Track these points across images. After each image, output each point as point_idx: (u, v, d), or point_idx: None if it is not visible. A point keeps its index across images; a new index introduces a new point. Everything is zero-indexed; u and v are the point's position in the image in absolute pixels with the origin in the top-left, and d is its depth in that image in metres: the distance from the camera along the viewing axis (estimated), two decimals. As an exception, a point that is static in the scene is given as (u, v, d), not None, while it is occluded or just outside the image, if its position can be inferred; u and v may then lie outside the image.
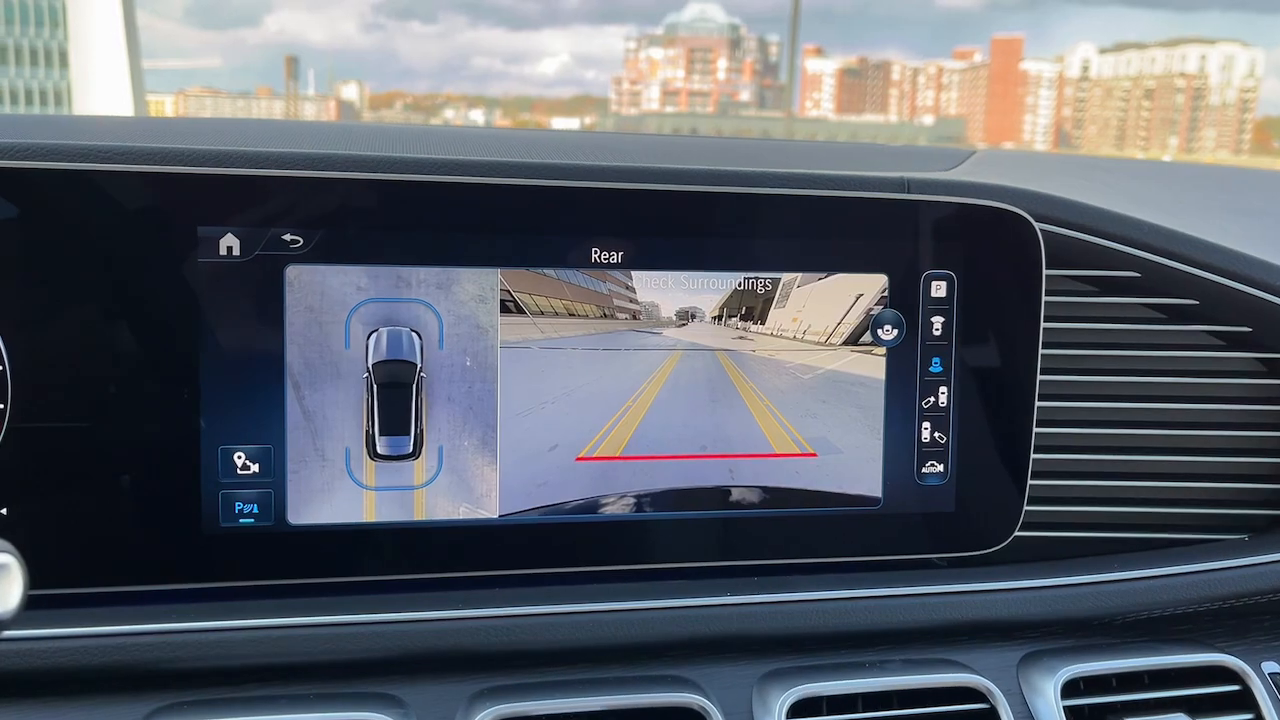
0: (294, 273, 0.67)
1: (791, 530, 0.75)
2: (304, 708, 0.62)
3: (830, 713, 0.67)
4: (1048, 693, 0.70)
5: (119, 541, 0.66)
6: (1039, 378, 0.77)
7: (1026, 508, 0.77)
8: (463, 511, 0.70)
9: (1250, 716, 0.72)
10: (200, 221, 0.66)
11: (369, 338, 0.68)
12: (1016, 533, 0.78)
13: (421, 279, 0.69)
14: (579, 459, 0.72)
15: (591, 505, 0.72)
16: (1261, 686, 0.73)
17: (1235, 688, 0.72)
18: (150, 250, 0.65)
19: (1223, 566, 0.76)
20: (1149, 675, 0.72)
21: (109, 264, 0.65)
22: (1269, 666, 0.75)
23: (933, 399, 0.76)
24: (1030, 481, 0.77)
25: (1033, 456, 0.77)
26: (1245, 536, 0.81)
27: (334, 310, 0.68)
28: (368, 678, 0.65)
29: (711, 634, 0.70)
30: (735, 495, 0.74)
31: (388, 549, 0.69)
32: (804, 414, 0.75)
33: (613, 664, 0.68)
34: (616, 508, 0.73)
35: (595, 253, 0.71)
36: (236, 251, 0.66)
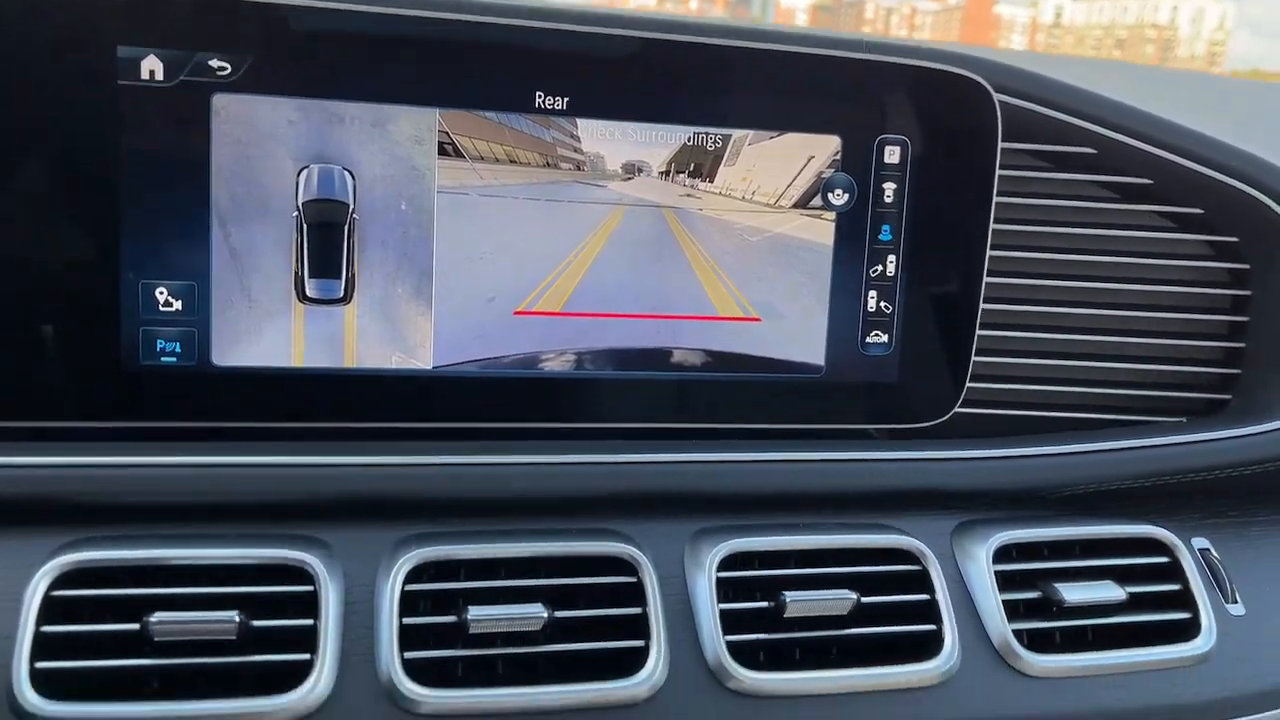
0: (221, 102, 0.64)
1: (732, 395, 0.74)
2: (222, 545, 0.61)
3: (762, 569, 0.67)
4: (980, 558, 0.70)
5: (34, 376, 0.64)
6: (989, 252, 0.75)
7: (969, 384, 0.77)
8: (395, 361, 0.69)
9: (1178, 587, 0.72)
10: (120, 41, 0.62)
11: (299, 175, 0.66)
12: (957, 409, 0.77)
13: (356, 115, 0.66)
14: (517, 312, 0.70)
15: (530, 361, 0.71)
16: (1190, 560, 0.73)
17: (1165, 559, 0.73)
18: (66, 72, 0.62)
19: (1157, 444, 0.76)
20: (1080, 545, 0.73)
21: (21, 86, 0.61)
22: (1198, 542, 0.76)
23: (880, 268, 0.74)
24: (974, 358, 0.76)
25: (978, 332, 0.76)
26: (1184, 420, 0.81)
27: (263, 144, 0.65)
28: (290, 520, 0.63)
29: (646, 490, 0.69)
30: (677, 357, 0.73)
31: (315, 395, 0.67)
32: (750, 277, 0.73)
33: (544, 516, 0.67)
34: (556, 365, 0.71)
35: (539, 97, 0.68)
36: (160, 76, 0.63)
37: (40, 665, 0.56)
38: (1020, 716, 0.66)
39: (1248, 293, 0.81)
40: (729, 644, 0.64)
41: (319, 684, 0.58)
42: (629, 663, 0.63)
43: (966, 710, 0.66)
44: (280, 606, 0.60)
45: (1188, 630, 0.71)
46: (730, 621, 0.65)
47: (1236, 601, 0.74)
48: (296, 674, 0.58)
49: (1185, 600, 0.72)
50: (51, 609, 0.57)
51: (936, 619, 0.67)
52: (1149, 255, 0.81)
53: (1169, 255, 0.81)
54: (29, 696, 0.55)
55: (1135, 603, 0.70)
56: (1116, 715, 0.68)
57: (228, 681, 0.58)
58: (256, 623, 0.59)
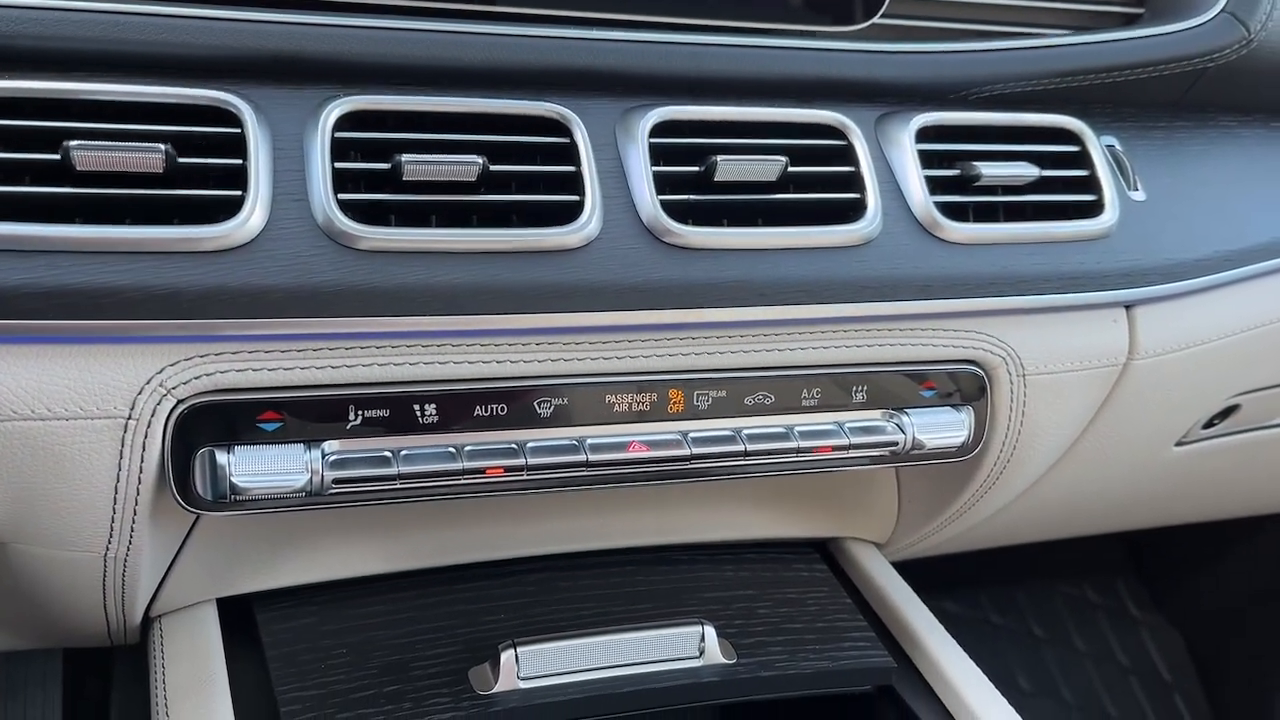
0: None
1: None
2: (144, 83, 0.58)
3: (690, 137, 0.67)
4: (903, 139, 0.71)
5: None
6: None
7: (894, -4, 0.77)
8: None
9: (1085, 173, 0.75)
10: None
11: None
12: (879, 19, 0.77)
13: None
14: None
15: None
16: (1098, 149, 0.76)
17: (1075, 148, 0.76)
18: None
19: (1073, 43, 0.78)
20: (997, 131, 0.75)
21: None
22: (1106, 139, 0.79)
23: None
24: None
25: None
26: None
27: None
28: (215, 78, 0.61)
29: (581, 65, 0.68)
30: None
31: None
32: None
33: (476, 88, 0.66)
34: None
35: None
36: None
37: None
38: (936, 277, 0.69)
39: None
40: (663, 203, 0.65)
41: (252, 217, 0.57)
42: (564, 218, 0.63)
43: (886, 269, 0.68)
44: (208, 147, 0.59)
45: (1092, 210, 0.75)
46: (663, 183, 0.65)
47: (1138, 189, 0.77)
48: (228, 208, 0.57)
49: (1091, 184, 0.75)
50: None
51: (860, 188, 0.69)
52: None
53: None
54: None
55: (1046, 184, 0.73)
56: (1026, 279, 0.71)
57: (158, 216, 0.57)
58: (184, 160, 0.58)
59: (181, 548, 0.69)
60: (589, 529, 0.81)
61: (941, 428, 0.72)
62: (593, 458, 0.65)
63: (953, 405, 0.73)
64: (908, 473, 0.84)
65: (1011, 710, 0.73)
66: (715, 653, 0.72)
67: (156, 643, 0.72)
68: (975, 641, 0.83)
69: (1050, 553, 1.67)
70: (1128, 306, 0.77)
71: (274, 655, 0.71)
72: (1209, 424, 0.91)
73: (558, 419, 0.65)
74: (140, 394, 0.57)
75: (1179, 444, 0.91)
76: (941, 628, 0.81)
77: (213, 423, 0.59)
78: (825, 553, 0.90)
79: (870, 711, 0.78)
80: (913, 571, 0.88)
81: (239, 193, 0.58)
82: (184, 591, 0.73)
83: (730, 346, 0.67)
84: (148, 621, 0.74)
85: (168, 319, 0.56)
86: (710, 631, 0.72)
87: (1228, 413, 0.91)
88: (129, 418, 0.57)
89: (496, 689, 0.68)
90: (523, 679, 0.69)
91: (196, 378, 0.58)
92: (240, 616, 0.74)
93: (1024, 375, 0.74)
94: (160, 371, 0.57)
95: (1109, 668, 1.62)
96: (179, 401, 0.58)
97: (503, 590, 0.78)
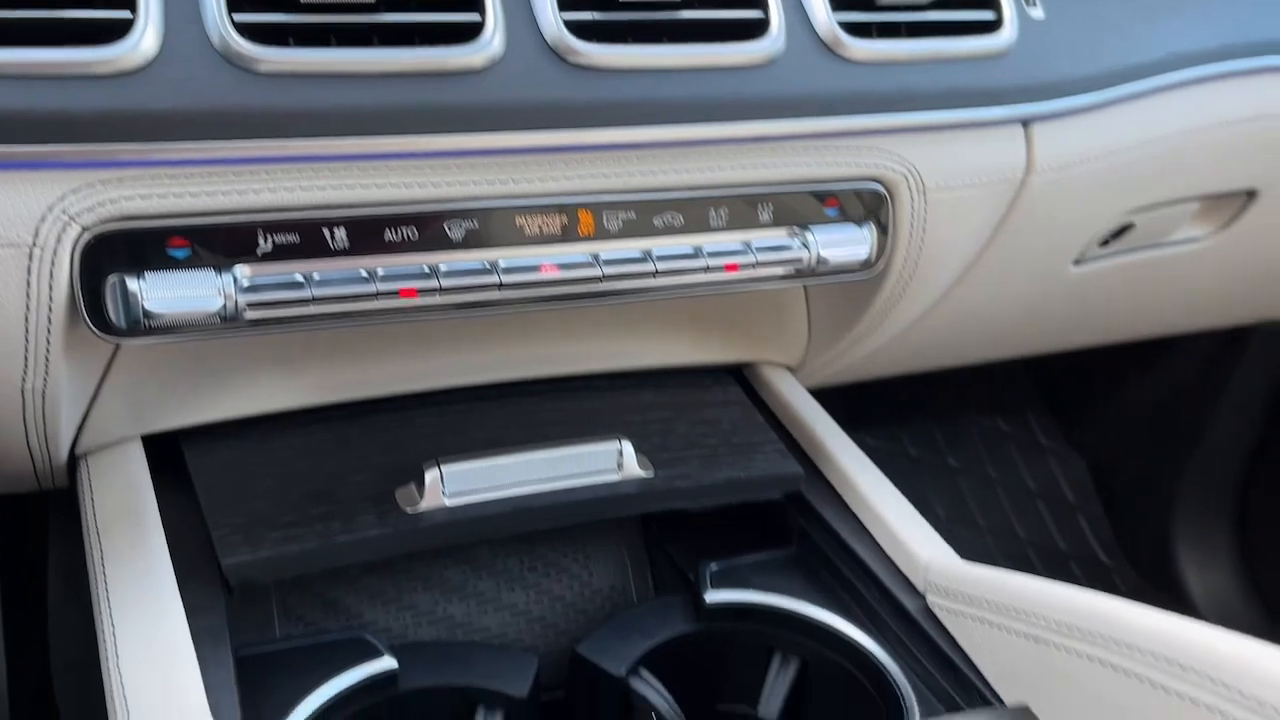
0: None
1: None
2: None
3: None
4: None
5: None
6: None
7: None
8: None
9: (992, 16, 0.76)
10: None
11: None
12: None
13: None
14: None
15: None
16: None
17: None
18: None
19: None
20: None
21: None
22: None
23: None
24: None
25: None
26: None
27: None
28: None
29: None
30: None
31: None
32: None
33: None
34: None
35: None
36: None
37: None
38: (839, 95, 0.71)
39: None
40: (566, 22, 0.64)
41: (144, 39, 0.56)
42: (466, 38, 0.62)
43: (790, 87, 0.69)
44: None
45: (992, 28, 0.76)
46: (565, 2, 0.65)
47: (1036, 6, 0.79)
48: (120, 31, 0.56)
49: (990, 1, 0.76)
50: None
51: (764, 6, 0.69)
52: None
53: None
54: None
55: (947, 0, 0.74)
56: (927, 96, 0.73)
57: (43, 36, 0.55)
58: (69, -20, 0.56)
59: (103, 382, 0.70)
60: (508, 359, 0.83)
61: (845, 244, 0.74)
62: (505, 279, 0.66)
63: (856, 222, 0.75)
64: (816, 293, 0.87)
65: (913, 509, 0.78)
66: (634, 467, 0.76)
67: (85, 478, 0.73)
68: (894, 473, 0.87)
69: (965, 389, 1.74)
70: (1025, 123, 0.79)
71: (202, 485, 0.72)
72: (1104, 243, 0.95)
73: (469, 242, 0.66)
74: (43, 221, 0.57)
75: (1077, 263, 0.95)
76: (851, 442, 0.85)
77: (120, 250, 0.59)
78: (740, 378, 0.93)
79: (782, 519, 0.82)
80: (832, 408, 0.92)
81: (128, 14, 0.57)
82: (108, 427, 0.73)
83: (638, 168, 0.68)
84: (75, 462, 0.75)
85: (65, 144, 0.56)
86: (628, 447, 0.76)
87: (1122, 231, 0.95)
88: (33, 245, 0.57)
89: (422, 506, 0.71)
90: (448, 496, 0.71)
91: (100, 204, 0.57)
92: (166, 454, 0.76)
93: (924, 192, 0.76)
94: (62, 199, 0.57)
95: (1019, 493, 1.72)
96: (84, 229, 0.58)
97: (425, 420, 0.80)
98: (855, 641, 0.72)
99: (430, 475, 0.71)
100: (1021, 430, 1.77)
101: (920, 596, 0.71)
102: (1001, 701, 0.62)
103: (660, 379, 0.88)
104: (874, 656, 0.71)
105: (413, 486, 0.72)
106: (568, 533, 0.85)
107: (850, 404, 1.07)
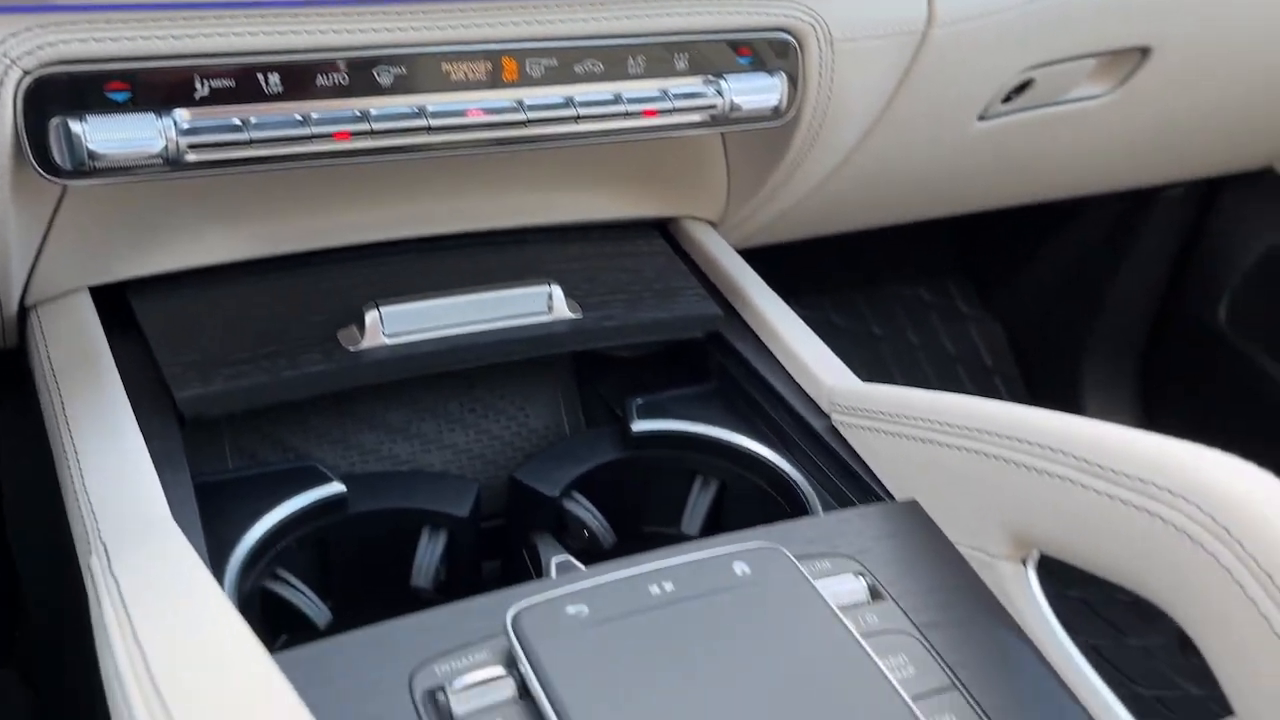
0: None
1: None
2: None
3: None
4: None
5: None
6: None
7: None
8: None
9: None
10: None
11: None
12: None
13: None
14: None
15: None
16: None
17: None
18: None
19: None
20: None
21: None
22: None
23: None
24: None
25: None
26: None
27: None
28: None
29: None
30: None
31: None
32: None
33: None
34: None
35: None
36: None
37: None
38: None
39: None
40: None
41: None
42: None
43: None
44: None
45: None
46: None
47: None
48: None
49: None
50: None
51: None
52: None
53: None
54: None
55: None
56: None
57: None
58: None
59: (50, 229, 0.73)
60: (442, 213, 0.87)
61: (757, 91, 0.79)
62: (434, 123, 0.70)
63: (767, 71, 0.79)
64: (733, 144, 0.91)
65: (821, 342, 0.84)
66: (562, 309, 0.81)
67: (36, 327, 0.76)
68: None
69: (888, 259, 1.81)
70: (927, -24, 0.83)
71: (151, 330, 0.76)
72: (1007, 99, 1.00)
73: (398, 88, 0.69)
74: (-15, 64, 0.59)
75: (982, 119, 1.00)
76: (766, 286, 0.91)
77: (62, 93, 0.62)
78: (666, 234, 0.98)
79: (703, 358, 0.89)
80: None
81: None
82: (57, 277, 0.77)
83: (558, 15, 0.72)
84: (25, 316, 0.79)
85: (1, -13, 0.58)
86: (557, 290, 0.81)
87: (1024, 88, 1.00)
88: (-24, 88, 0.59)
89: (364, 345, 0.76)
90: (388, 336, 0.76)
91: (39, 48, 0.60)
92: (115, 305, 0.79)
93: (831, 42, 0.80)
94: (3, 42, 0.59)
95: (939, 358, 1.80)
96: (25, 73, 0.60)
97: (365, 270, 0.84)
98: (768, 460, 0.79)
99: (370, 316, 0.76)
100: (942, 298, 1.85)
101: (825, 417, 0.78)
102: (893, 498, 0.69)
103: (588, 233, 0.93)
104: (784, 472, 0.78)
105: (354, 328, 0.77)
106: (504, 377, 0.90)
107: (777, 275, 1.12)
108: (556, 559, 0.72)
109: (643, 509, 0.85)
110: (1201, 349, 1.62)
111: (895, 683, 0.52)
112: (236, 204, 0.80)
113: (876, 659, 0.53)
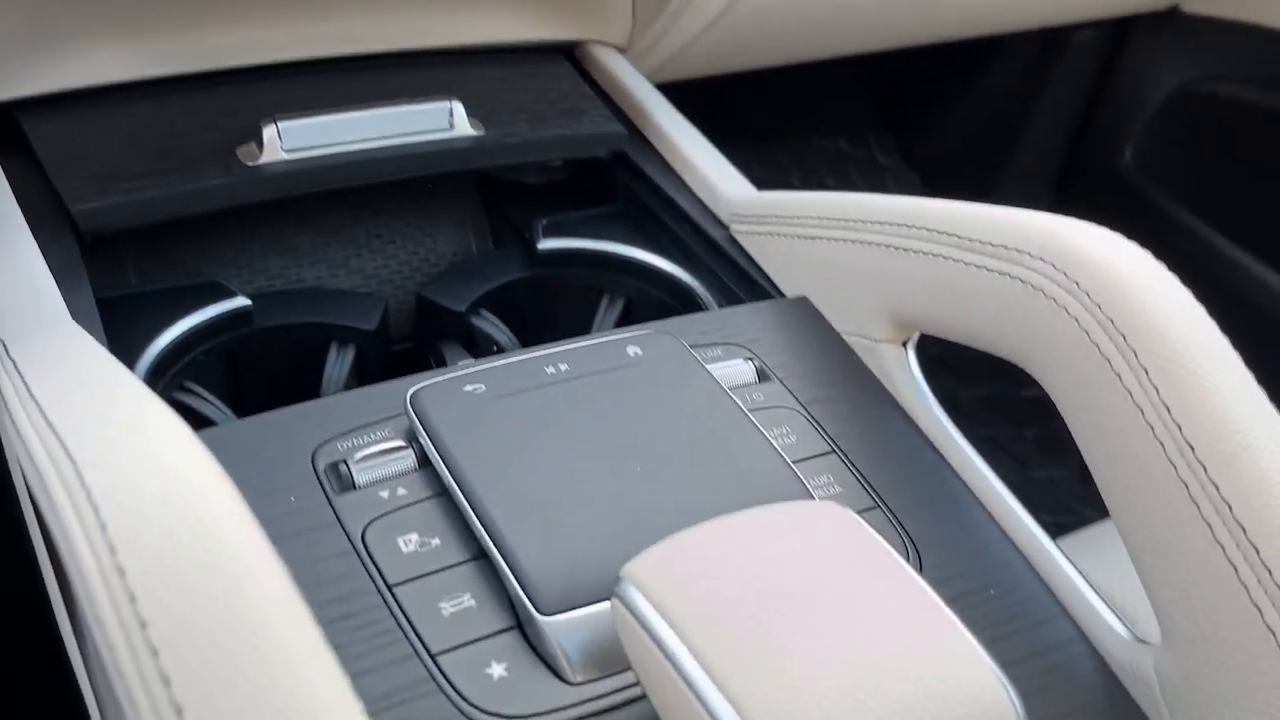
0: None
1: None
2: None
3: None
4: None
5: None
6: None
7: None
8: None
9: None
10: None
11: None
12: None
13: None
14: None
15: None
16: None
17: None
18: None
19: None
20: None
21: None
22: None
23: None
24: None
25: None
26: None
27: None
28: None
29: None
30: None
31: None
32: None
33: None
34: None
35: None
36: None
37: None
38: None
39: None
40: None
41: None
42: None
43: None
44: None
45: None
46: None
47: None
48: None
49: None
50: None
51: None
52: None
53: None
54: None
55: None
56: None
57: None
58: None
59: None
60: (344, 33, 0.86)
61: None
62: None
63: (664, -121, 0.79)
64: (634, -37, 0.91)
65: (723, 158, 0.85)
66: (464, 125, 0.81)
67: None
68: None
69: (809, 110, 1.82)
70: None
71: (43, 148, 0.75)
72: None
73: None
74: None
75: (885, -58, 1.00)
76: (670, 106, 0.91)
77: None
78: (574, 61, 0.98)
79: (610, 180, 0.89)
80: None
81: None
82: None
83: None
84: None
85: None
86: (459, 107, 0.81)
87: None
88: None
89: (262, 160, 0.75)
90: (286, 150, 0.76)
91: None
92: (4, 129, 0.77)
93: None
94: None
95: (857, 209, 1.83)
96: None
97: (265, 89, 0.83)
98: (670, 274, 0.81)
99: (268, 131, 0.75)
100: (862, 149, 1.87)
101: (725, 227, 0.79)
102: (784, 296, 0.72)
103: (493, 56, 0.92)
104: (685, 284, 0.80)
105: (253, 144, 0.76)
106: (411, 203, 0.91)
107: (700, 127, 1.12)
108: (461, 362, 0.74)
109: (552, 327, 0.87)
110: (1109, 193, 1.66)
111: (778, 447, 0.55)
112: (125, 21, 0.78)
113: (761, 428, 0.56)
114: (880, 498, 0.57)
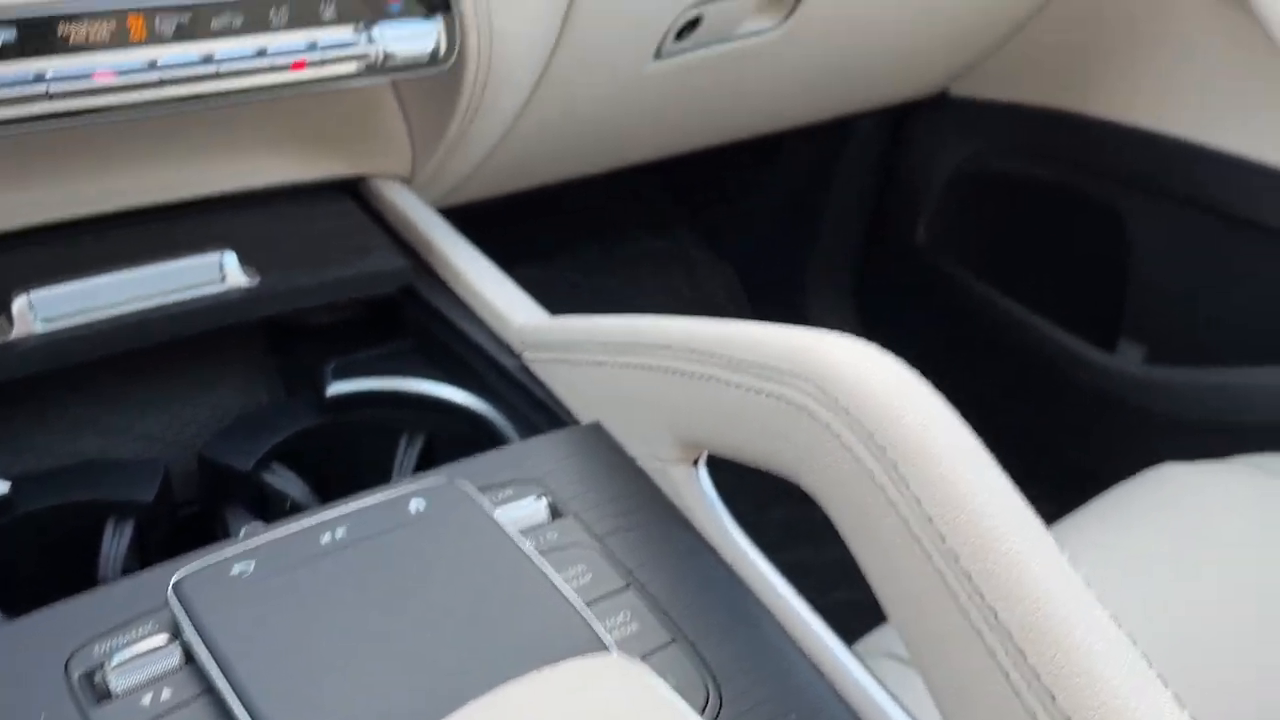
0: None
1: None
2: None
3: None
4: None
5: None
6: None
7: None
8: None
9: None
10: None
11: None
12: None
13: None
14: None
15: None
16: None
17: None
18: None
19: None
20: None
21: None
22: None
23: None
24: None
25: None
26: None
27: None
28: None
29: None
30: None
31: None
32: None
33: None
34: None
35: None
36: None
37: None
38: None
39: None
40: None
41: None
42: None
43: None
44: None
45: None
46: None
47: None
48: None
49: None
50: None
51: None
52: None
53: None
54: None
55: None
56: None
57: None
58: None
59: None
60: (93, 191, 0.82)
61: (411, 38, 0.78)
62: (54, 89, 0.66)
63: (424, 16, 0.79)
64: (408, 95, 0.91)
65: (514, 285, 0.85)
66: (237, 276, 0.78)
67: None
68: (556, 300, 0.92)
69: (616, 212, 1.85)
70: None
71: None
72: (680, 36, 1.04)
73: (7, 53, 0.65)
74: None
75: (657, 57, 1.03)
76: (459, 235, 0.91)
77: None
78: (358, 196, 0.96)
79: (399, 316, 0.88)
80: (493, 243, 0.94)
81: None
82: None
83: (183, -30, 0.69)
84: None
85: None
86: (230, 257, 0.78)
87: (695, 25, 1.04)
88: None
89: (14, 335, 0.71)
90: (43, 321, 0.71)
91: None
92: None
93: (484, -17, 0.81)
94: None
95: (678, 301, 1.86)
96: None
97: (15, 255, 0.78)
98: (466, 407, 0.79)
99: (19, 303, 0.71)
100: (674, 245, 1.91)
101: (516, 356, 0.79)
102: (578, 423, 0.71)
103: (269, 199, 0.90)
104: (482, 416, 0.78)
105: (3, 318, 0.71)
106: (190, 356, 0.87)
107: (509, 242, 1.12)
108: (246, 527, 0.70)
109: (353, 475, 0.84)
110: (907, 270, 1.74)
111: (568, 592, 0.54)
112: None
113: (551, 572, 0.54)
114: (680, 629, 0.56)
